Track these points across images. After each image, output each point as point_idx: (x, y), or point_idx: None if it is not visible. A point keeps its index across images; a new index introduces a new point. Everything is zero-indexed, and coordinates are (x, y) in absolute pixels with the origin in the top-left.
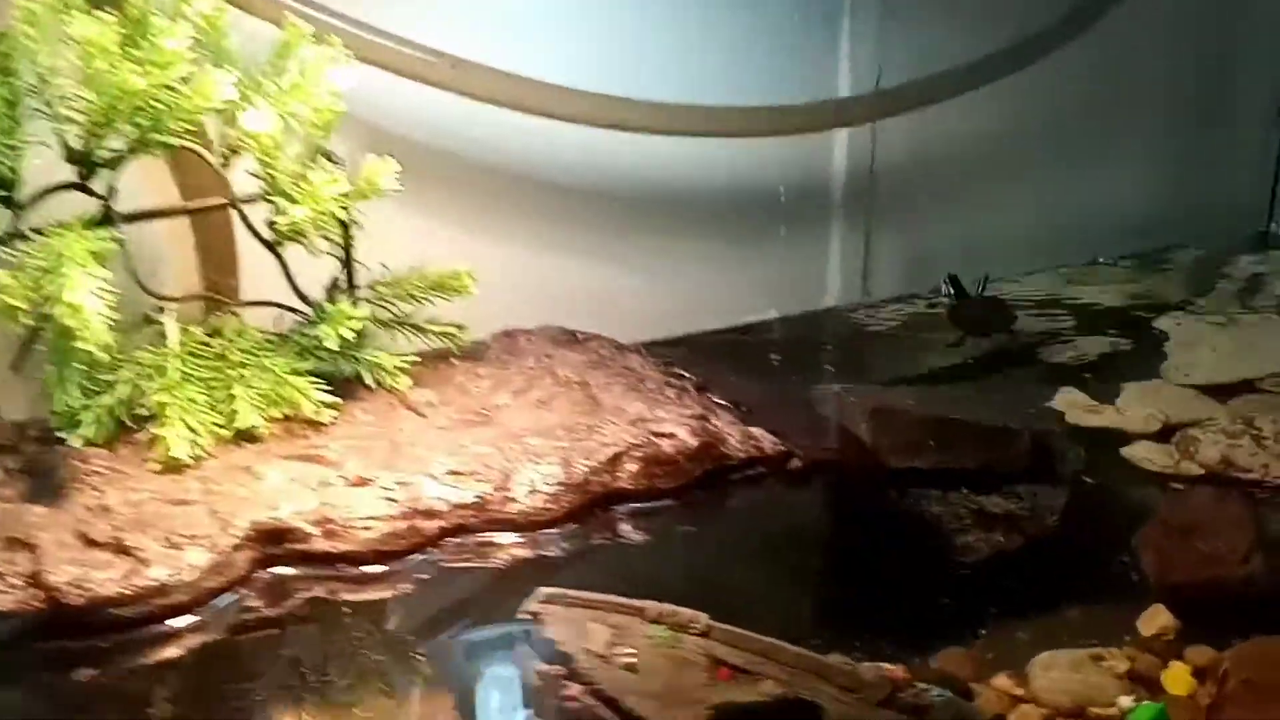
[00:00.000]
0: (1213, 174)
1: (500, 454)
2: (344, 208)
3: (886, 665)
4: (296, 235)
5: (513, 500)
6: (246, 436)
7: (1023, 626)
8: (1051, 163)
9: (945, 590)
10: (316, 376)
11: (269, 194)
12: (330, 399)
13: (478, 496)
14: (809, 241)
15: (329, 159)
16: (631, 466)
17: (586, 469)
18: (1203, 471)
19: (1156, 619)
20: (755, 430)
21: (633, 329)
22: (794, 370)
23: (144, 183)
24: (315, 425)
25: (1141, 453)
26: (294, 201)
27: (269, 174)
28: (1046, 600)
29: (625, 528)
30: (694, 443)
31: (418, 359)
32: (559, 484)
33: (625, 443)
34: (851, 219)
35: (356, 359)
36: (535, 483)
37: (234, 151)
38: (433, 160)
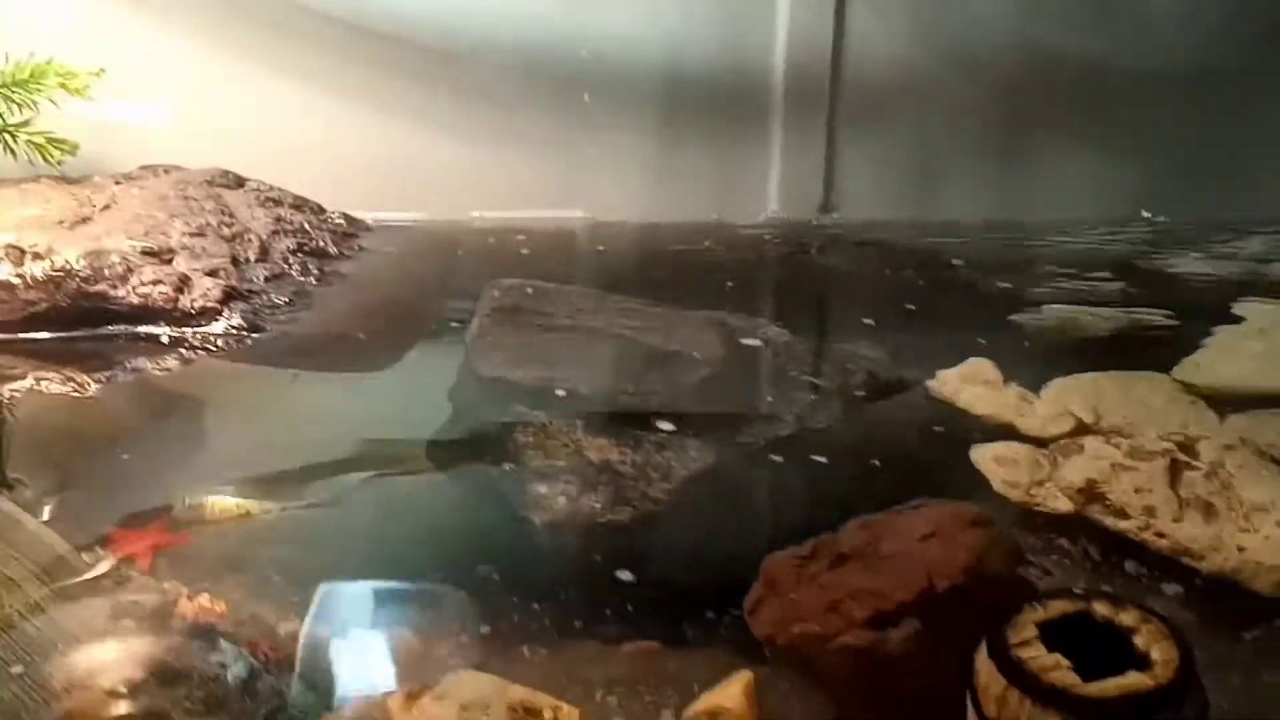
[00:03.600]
0: None
1: None
2: None
3: None
4: None
5: None
6: None
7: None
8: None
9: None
10: None
11: None
12: None
13: None
14: (676, 137)
15: None
16: None
17: None
18: (1069, 506)
19: (729, 690)
20: (205, 283)
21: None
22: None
23: None
24: None
25: (992, 455)
26: None
27: None
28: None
29: None
30: (42, 270)
31: None
32: None
33: None
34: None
35: None
36: None
37: None
38: None
